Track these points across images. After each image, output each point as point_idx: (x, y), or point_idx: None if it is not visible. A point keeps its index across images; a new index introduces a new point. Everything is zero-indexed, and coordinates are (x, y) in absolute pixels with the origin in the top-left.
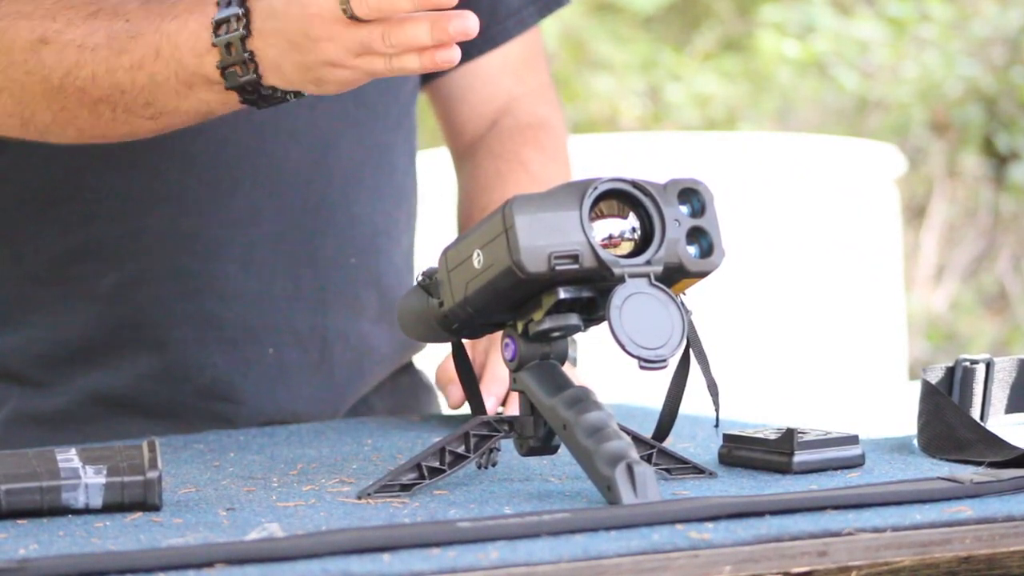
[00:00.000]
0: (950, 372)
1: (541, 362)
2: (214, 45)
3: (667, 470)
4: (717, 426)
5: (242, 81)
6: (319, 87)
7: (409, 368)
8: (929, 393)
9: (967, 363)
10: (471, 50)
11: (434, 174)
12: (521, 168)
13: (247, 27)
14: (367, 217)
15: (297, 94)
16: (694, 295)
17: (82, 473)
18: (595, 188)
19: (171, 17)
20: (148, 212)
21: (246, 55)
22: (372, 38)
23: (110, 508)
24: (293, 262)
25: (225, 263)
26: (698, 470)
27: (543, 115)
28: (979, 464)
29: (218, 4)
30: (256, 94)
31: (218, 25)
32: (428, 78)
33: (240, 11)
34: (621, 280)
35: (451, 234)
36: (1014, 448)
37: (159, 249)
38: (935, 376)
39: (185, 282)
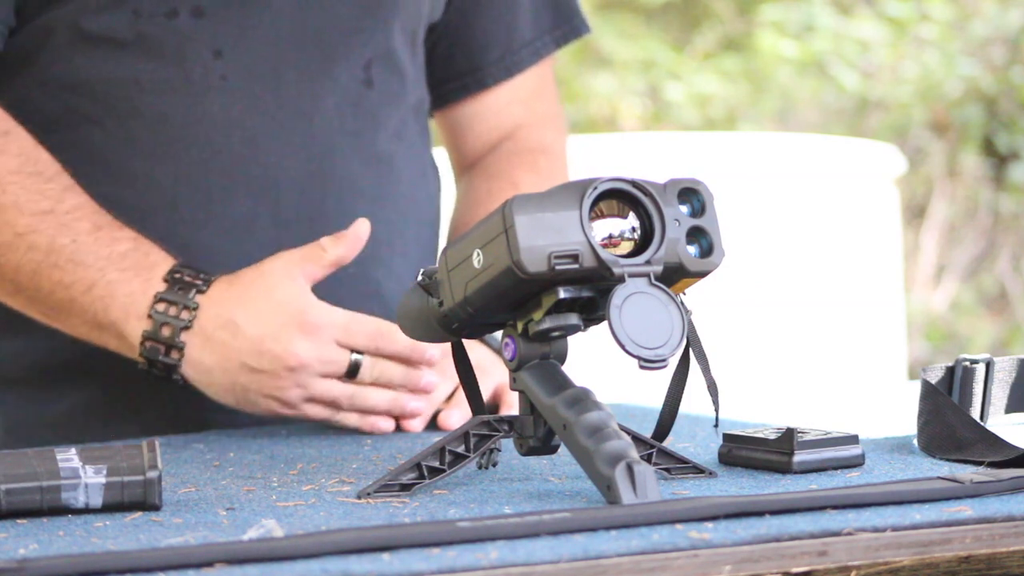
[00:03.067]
0: (950, 372)
1: (541, 362)
2: (149, 316)
3: (667, 470)
4: (717, 426)
5: (159, 360)
6: (238, 407)
7: None
8: (929, 393)
9: (967, 363)
10: (485, 79)
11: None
12: (512, 188)
13: (191, 321)
14: None
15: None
16: (694, 295)
17: (82, 473)
18: (595, 188)
19: (118, 267)
20: (142, 221)
21: (178, 342)
22: (341, 398)
23: (110, 508)
24: None
25: (219, 272)
26: (698, 470)
27: (546, 142)
28: (979, 464)
29: (166, 280)
30: (161, 369)
31: (159, 300)
32: (437, 106)
33: (191, 304)
34: (621, 280)
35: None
36: (1014, 448)
37: None
38: (935, 376)
39: None
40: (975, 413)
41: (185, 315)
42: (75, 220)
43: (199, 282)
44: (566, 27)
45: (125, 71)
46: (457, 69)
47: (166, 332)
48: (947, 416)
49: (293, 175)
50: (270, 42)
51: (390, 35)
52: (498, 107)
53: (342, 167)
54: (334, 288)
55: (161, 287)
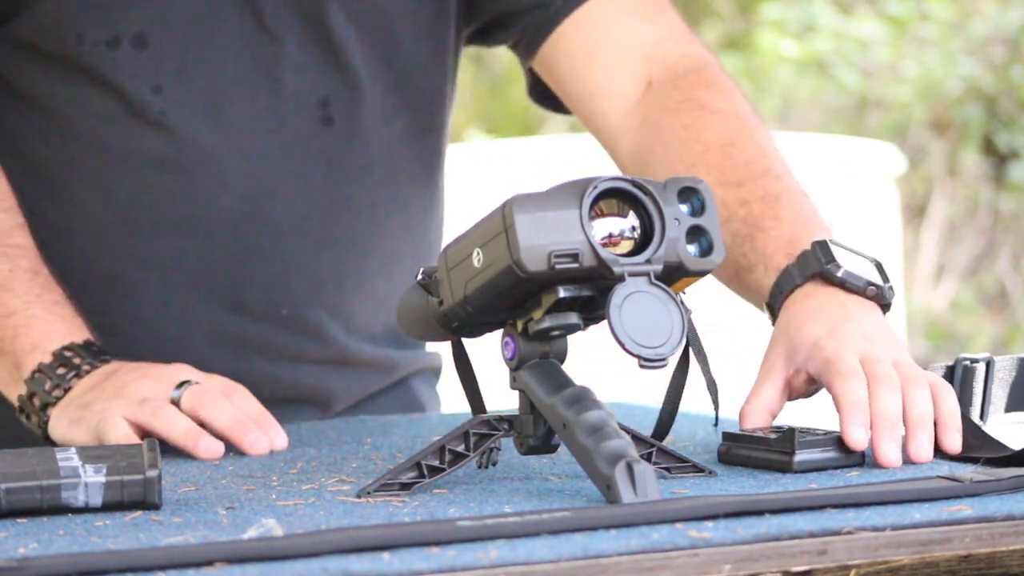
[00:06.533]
0: (950, 371)
1: (541, 361)
2: (54, 354)
3: (667, 469)
4: (716, 425)
5: (31, 423)
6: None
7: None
8: None
9: (967, 362)
10: (557, 16)
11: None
12: (706, 112)
13: (84, 375)
14: (307, 269)
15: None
16: (694, 294)
17: (82, 472)
18: (595, 187)
19: (45, 308)
20: (71, 244)
21: (44, 416)
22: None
23: (110, 507)
24: (213, 309)
25: (140, 305)
26: (698, 469)
27: (696, 55)
28: (975, 461)
29: (85, 340)
30: (34, 406)
31: (69, 348)
32: (531, 46)
33: (95, 365)
34: (621, 279)
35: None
36: (1007, 448)
37: (79, 282)
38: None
39: (101, 317)
40: (975, 412)
41: (86, 367)
42: (17, 255)
43: (103, 362)
44: None
45: (72, 94)
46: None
47: (60, 371)
48: None
49: (226, 215)
50: (213, 79)
51: (351, 70)
52: (609, 22)
53: (283, 208)
54: (259, 327)
55: (79, 340)
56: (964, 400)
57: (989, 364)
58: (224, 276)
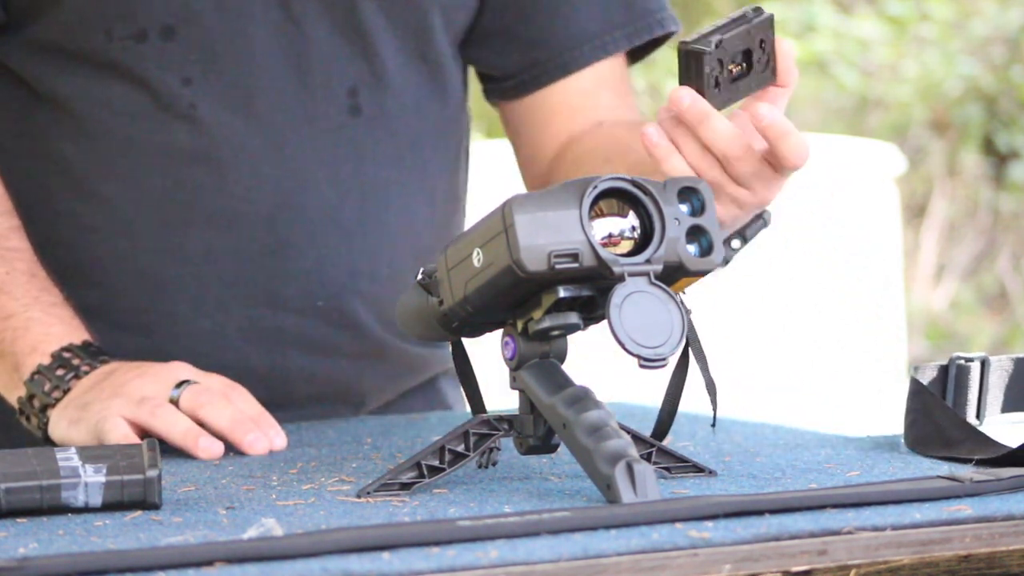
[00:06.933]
0: (943, 371)
1: (541, 361)
2: (53, 356)
3: (667, 469)
4: (714, 425)
5: (31, 424)
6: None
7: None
8: (917, 391)
9: (961, 361)
10: (570, 64)
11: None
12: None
13: (86, 374)
14: (341, 259)
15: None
16: (694, 294)
17: (82, 472)
18: (595, 187)
19: (43, 310)
20: (102, 244)
21: (44, 418)
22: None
23: (110, 507)
24: (249, 303)
25: (175, 302)
26: (698, 469)
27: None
28: (967, 462)
29: (85, 341)
30: (33, 406)
31: (69, 349)
32: (513, 96)
33: (94, 365)
34: (621, 279)
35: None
36: (1003, 446)
37: (112, 281)
38: (929, 375)
39: (136, 316)
40: (971, 412)
41: (85, 367)
42: (14, 258)
43: (102, 362)
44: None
45: (99, 92)
46: (518, 63)
47: (59, 372)
48: (935, 414)
49: (259, 208)
50: (241, 70)
51: (379, 59)
52: (585, 91)
53: (316, 198)
54: (295, 320)
55: (78, 341)
56: (959, 400)
57: (984, 364)
58: (259, 269)
